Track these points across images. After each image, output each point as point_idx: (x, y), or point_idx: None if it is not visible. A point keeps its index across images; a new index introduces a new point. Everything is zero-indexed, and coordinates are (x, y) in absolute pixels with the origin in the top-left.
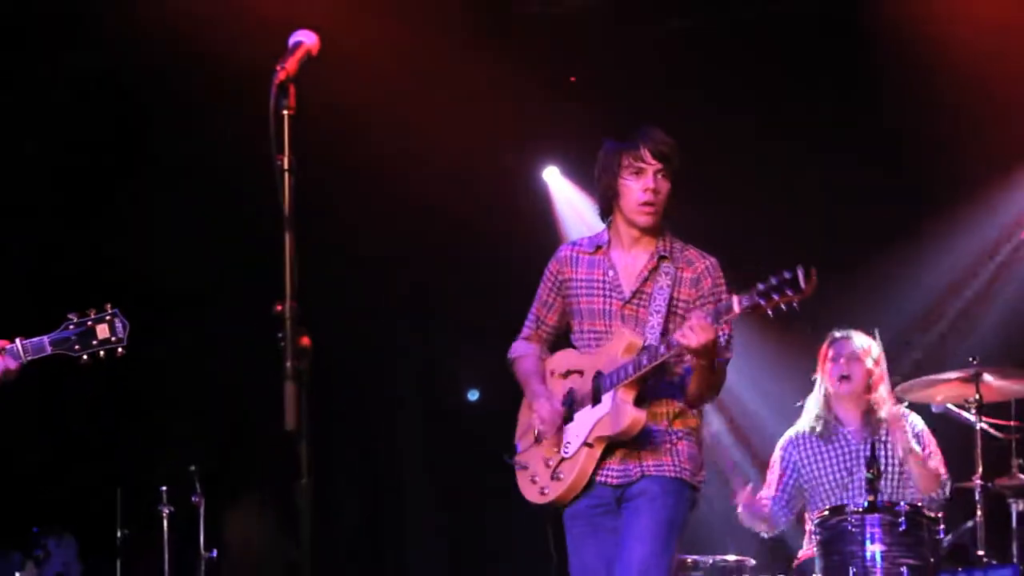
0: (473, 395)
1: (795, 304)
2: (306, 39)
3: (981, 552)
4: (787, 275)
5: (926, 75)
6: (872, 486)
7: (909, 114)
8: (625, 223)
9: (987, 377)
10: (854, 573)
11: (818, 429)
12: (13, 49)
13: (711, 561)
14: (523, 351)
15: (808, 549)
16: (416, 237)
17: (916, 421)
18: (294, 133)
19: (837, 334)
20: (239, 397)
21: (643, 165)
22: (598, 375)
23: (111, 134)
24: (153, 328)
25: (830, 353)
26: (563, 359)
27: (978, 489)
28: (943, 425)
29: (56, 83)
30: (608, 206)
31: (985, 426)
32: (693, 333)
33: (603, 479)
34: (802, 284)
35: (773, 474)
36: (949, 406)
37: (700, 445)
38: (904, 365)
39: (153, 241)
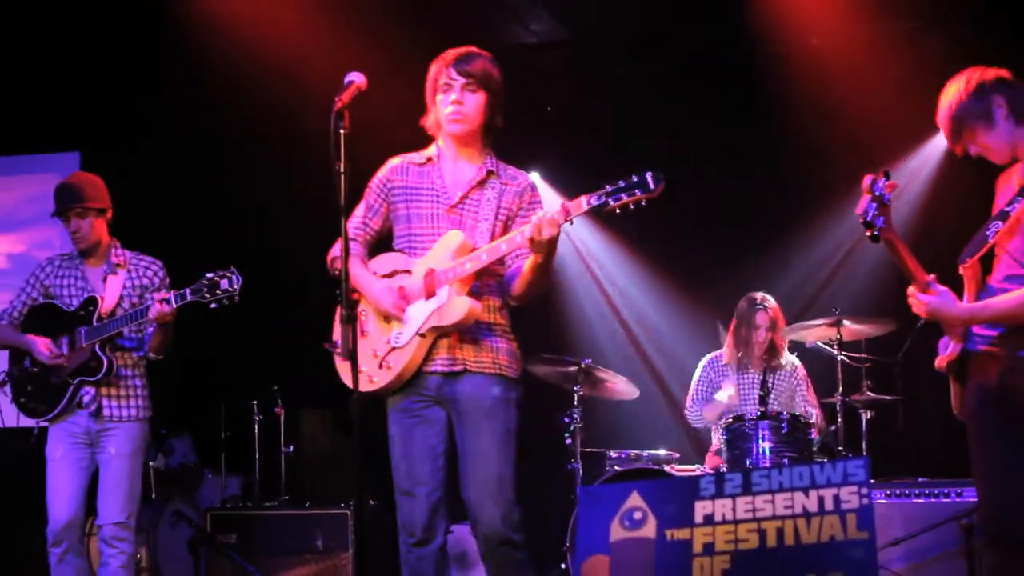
0: None
1: (643, 203)
2: (357, 78)
3: (841, 448)
4: (635, 178)
5: (803, 111)
6: (763, 401)
7: (790, 135)
8: (443, 135)
9: (846, 322)
10: (750, 463)
11: (732, 363)
12: None
13: (647, 454)
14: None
15: (717, 446)
16: None
17: (800, 369)
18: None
19: (757, 298)
20: (311, 336)
21: (450, 82)
22: (430, 272)
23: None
24: (254, 289)
25: (753, 320)
26: (386, 261)
27: (838, 403)
28: (813, 357)
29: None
30: (435, 122)
31: (844, 358)
32: (544, 226)
33: (430, 368)
34: (651, 185)
35: (694, 386)
36: (818, 343)
37: (516, 342)
38: (788, 316)
39: (264, 228)
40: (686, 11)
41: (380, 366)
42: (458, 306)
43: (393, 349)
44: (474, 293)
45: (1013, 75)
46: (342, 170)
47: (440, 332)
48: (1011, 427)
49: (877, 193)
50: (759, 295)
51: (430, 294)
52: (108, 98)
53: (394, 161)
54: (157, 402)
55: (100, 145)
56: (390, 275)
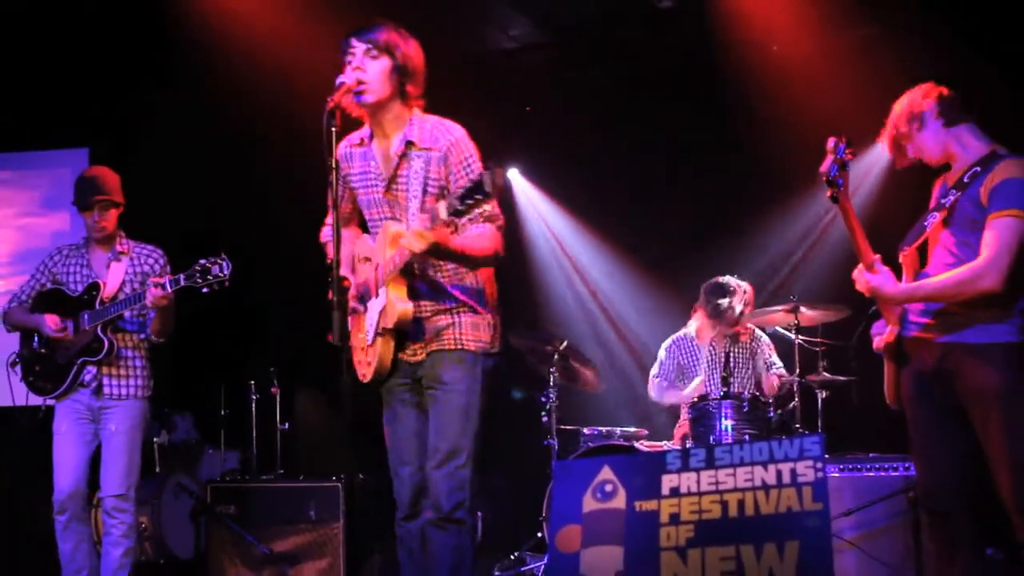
0: (516, 394)
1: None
2: (347, 79)
3: (798, 425)
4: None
5: (764, 112)
6: (726, 382)
7: (754, 134)
8: (362, 111)
9: (803, 309)
10: (713, 439)
11: (695, 338)
12: None
13: (619, 431)
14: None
15: (684, 423)
16: None
17: (764, 336)
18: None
19: (735, 288)
20: (303, 320)
21: (351, 52)
22: (376, 268)
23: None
24: (252, 277)
25: (720, 304)
26: (363, 244)
27: (795, 383)
28: (773, 341)
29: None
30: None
31: (801, 341)
32: (412, 240)
33: (403, 356)
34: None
35: (659, 365)
36: (778, 328)
37: (489, 313)
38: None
39: (263, 223)
40: (655, 18)
41: (365, 361)
42: (393, 310)
43: (368, 346)
44: (418, 290)
45: (952, 89)
46: (334, 165)
47: (393, 331)
48: (944, 409)
49: (839, 155)
50: (732, 282)
51: (376, 293)
52: (112, 97)
53: (340, 149)
54: (160, 382)
55: (107, 143)
56: (365, 260)
